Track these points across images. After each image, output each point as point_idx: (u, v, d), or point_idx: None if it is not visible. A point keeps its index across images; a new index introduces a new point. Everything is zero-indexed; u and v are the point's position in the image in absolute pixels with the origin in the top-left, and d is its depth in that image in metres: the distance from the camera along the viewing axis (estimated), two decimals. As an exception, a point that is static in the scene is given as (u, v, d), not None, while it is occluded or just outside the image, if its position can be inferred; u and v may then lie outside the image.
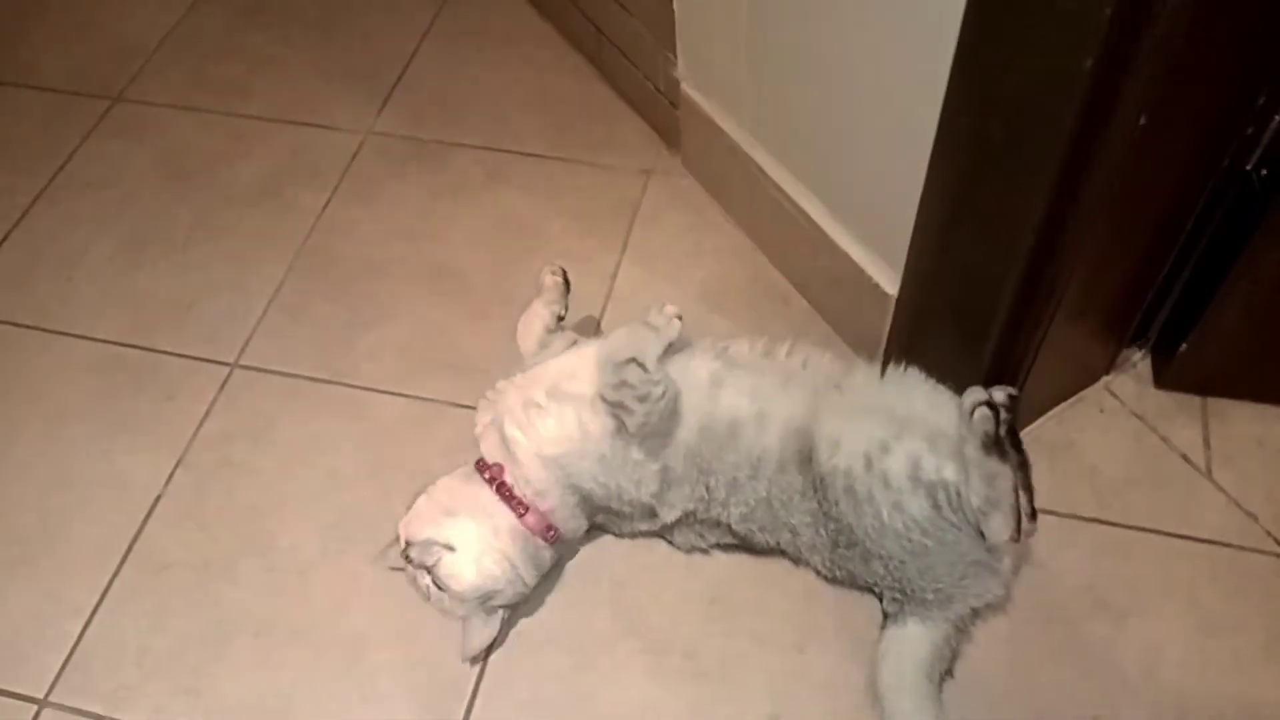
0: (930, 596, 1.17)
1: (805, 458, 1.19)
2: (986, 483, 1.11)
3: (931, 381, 1.24)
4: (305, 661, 1.28)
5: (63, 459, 1.48)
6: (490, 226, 1.72)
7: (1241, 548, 1.31)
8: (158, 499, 1.43)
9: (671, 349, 1.24)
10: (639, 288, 1.62)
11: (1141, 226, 1.18)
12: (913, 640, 1.18)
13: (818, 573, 1.27)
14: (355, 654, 1.28)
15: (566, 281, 1.43)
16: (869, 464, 1.14)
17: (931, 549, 1.14)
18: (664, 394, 1.19)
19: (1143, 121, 0.95)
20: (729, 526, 1.26)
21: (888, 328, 1.41)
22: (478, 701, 1.24)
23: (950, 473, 1.13)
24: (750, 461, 1.21)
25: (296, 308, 1.63)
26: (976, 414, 1.13)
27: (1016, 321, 1.19)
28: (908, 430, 1.16)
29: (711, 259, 1.65)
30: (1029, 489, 1.14)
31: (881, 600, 1.22)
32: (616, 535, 1.34)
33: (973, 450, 1.12)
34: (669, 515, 1.26)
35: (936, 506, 1.13)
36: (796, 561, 1.28)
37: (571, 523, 1.26)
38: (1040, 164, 1.00)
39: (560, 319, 1.41)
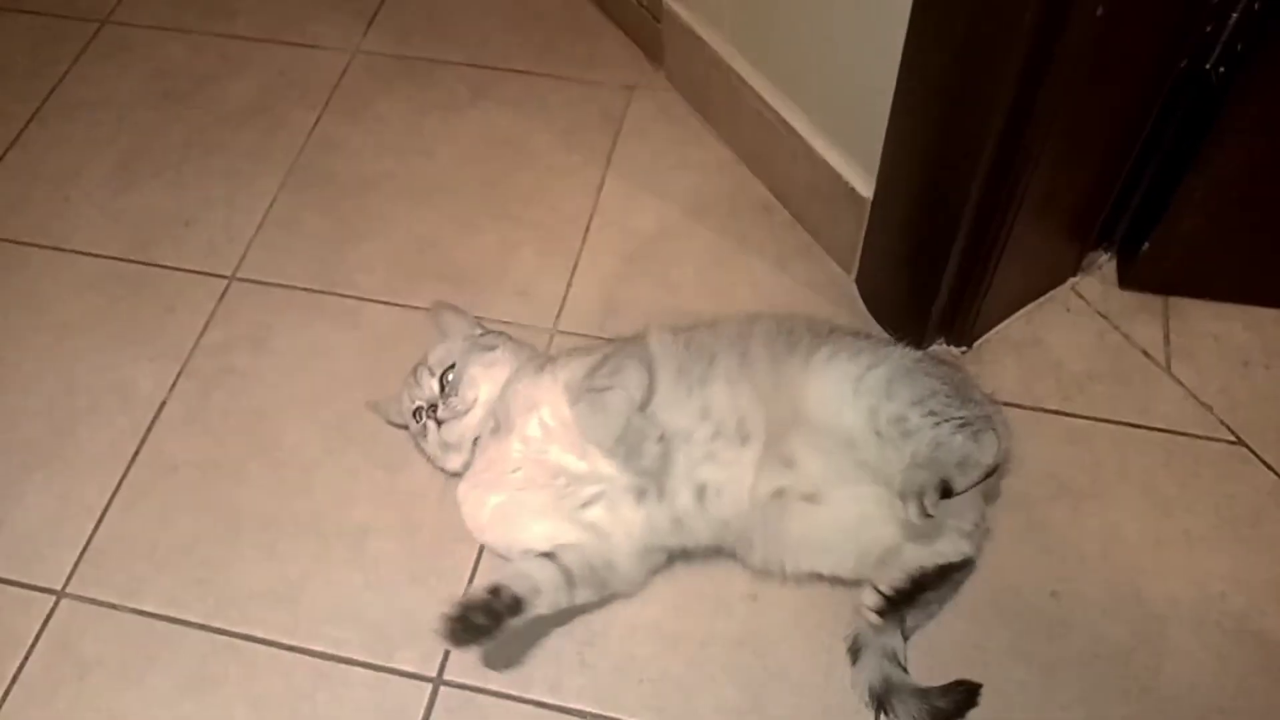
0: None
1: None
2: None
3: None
4: (311, 552, 1.35)
5: (68, 369, 1.53)
6: (477, 142, 1.76)
7: (1196, 436, 1.38)
8: (163, 405, 1.49)
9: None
10: (624, 201, 1.67)
11: (1103, 124, 1.23)
12: None
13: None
14: (359, 544, 1.35)
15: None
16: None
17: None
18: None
19: (1100, 12, 0.99)
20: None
21: (864, 232, 1.46)
22: (476, 584, 1.31)
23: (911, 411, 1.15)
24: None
25: (290, 222, 1.68)
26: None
27: (984, 217, 1.24)
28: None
29: (695, 172, 1.70)
30: None
31: None
32: None
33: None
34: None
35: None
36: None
37: None
38: (1003, 56, 1.05)
39: None
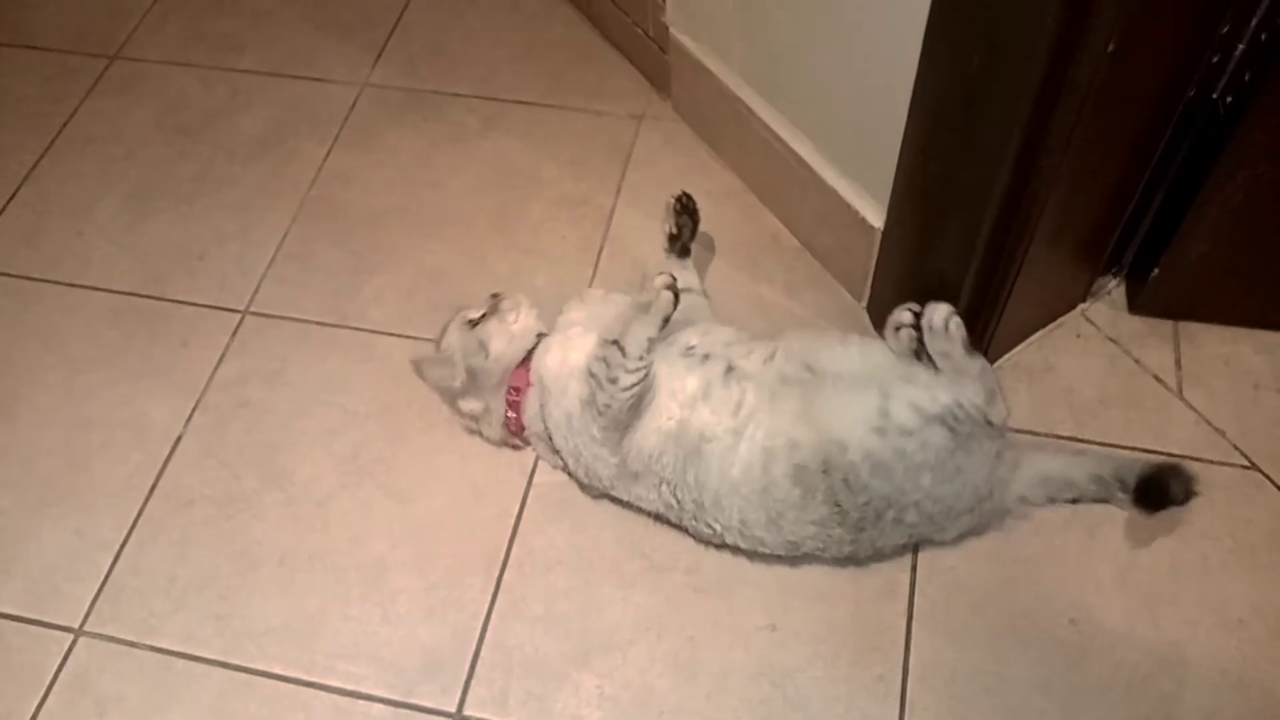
0: (959, 529, 1.28)
1: (802, 472, 1.22)
2: (978, 380, 1.24)
3: (875, 337, 1.31)
4: (327, 586, 1.35)
5: (83, 404, 1.54)
6: (487, 173, 1.77)
7: (1210, 461, 1.39)
8: (178, 439, 1.49)
9: (679, 326, 1.31)
10: (635, 229, 1.68)
11: (1113, 153, 1.24)
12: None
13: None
14: (375, 578, 1.35)
15: (683, 206, 1.51)
16: (882, 432, 1.20)
17: (963, 468, 1.22)
18: (632, 385, 1.24)
19: (1111, 48, 1.00)
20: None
21: (874, 261, 1.47)
22: (493, 618, 1.31)
23: (945, 396, 1.22)
24: (719, 487, 1.24)
25: (303, 255, 1.69)
26: (952, 324, 1.26)
27: (996, 247, 1.25)
28: (889, 386, 1.23)
29: (704, 200, 1.69)
30: None
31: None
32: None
33: (956, 358, 1.25)
34: (642, 503, 1.32)
35: (951, 429, 1.21)
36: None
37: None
38: (1016, 90, 1.06)
39: (672, 238, 1.51)
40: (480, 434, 1.42)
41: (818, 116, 1.46)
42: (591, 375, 1.26)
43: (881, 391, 1.23)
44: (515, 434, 1.39)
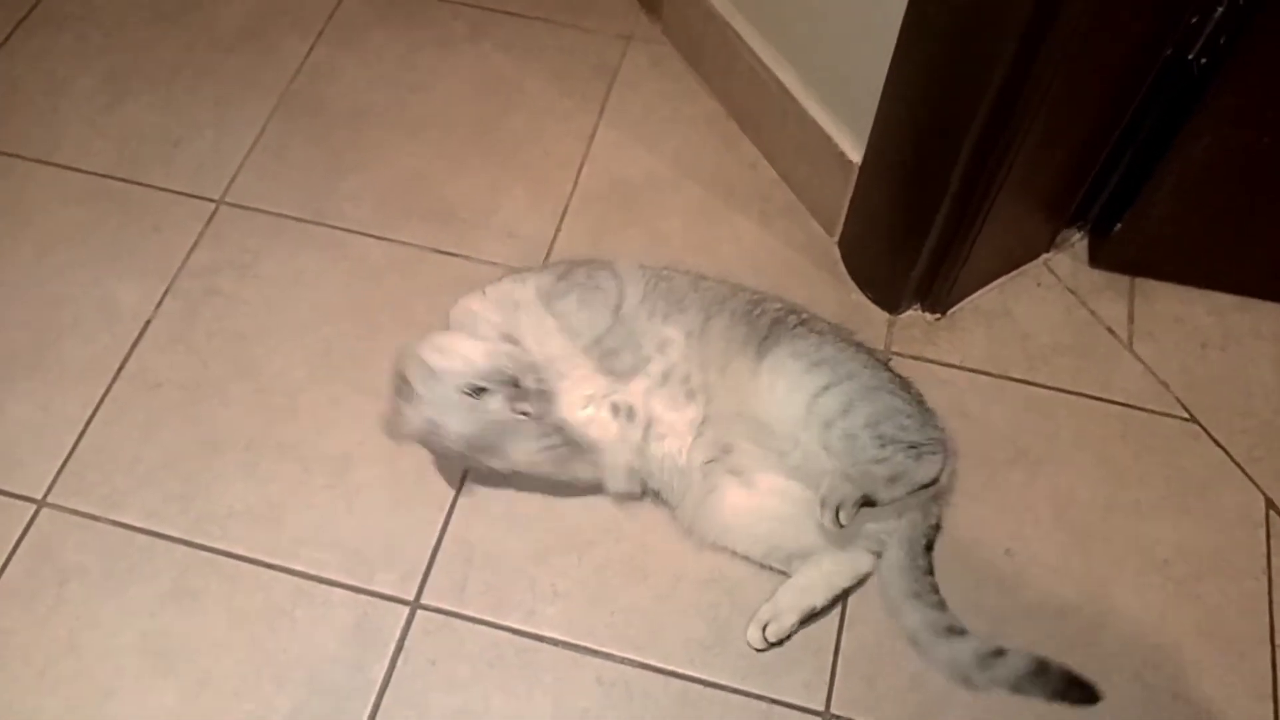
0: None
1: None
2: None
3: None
4: (293, 475, 1.37)
5: (53, 282, 1.53)
6: (471, 80, 1.77)
7: (1153, 412, 1.45)
8: (147, 323, 1.50)
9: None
10: (616, 150, 1.69)
11: (1088, 105, 1.28)
12: (889, 562, 1.27)
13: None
14: (341, 470, 1.38)
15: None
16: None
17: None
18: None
19: (1097, -3, 1.03)
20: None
21: (850, 196, 1.50)
22: (455, 515, 1.34)
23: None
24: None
25: (280, 149, 1.68)
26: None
27: (967, 189, 1.29)
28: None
29: (686, 126, 1.72)
30: None
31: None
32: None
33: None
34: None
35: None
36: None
37: None
38: (999, 34, 1.08)
39: None
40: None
41: (806, 47, 1.48)
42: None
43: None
44: None
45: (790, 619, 1.24)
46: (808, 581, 1.25)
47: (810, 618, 1.25)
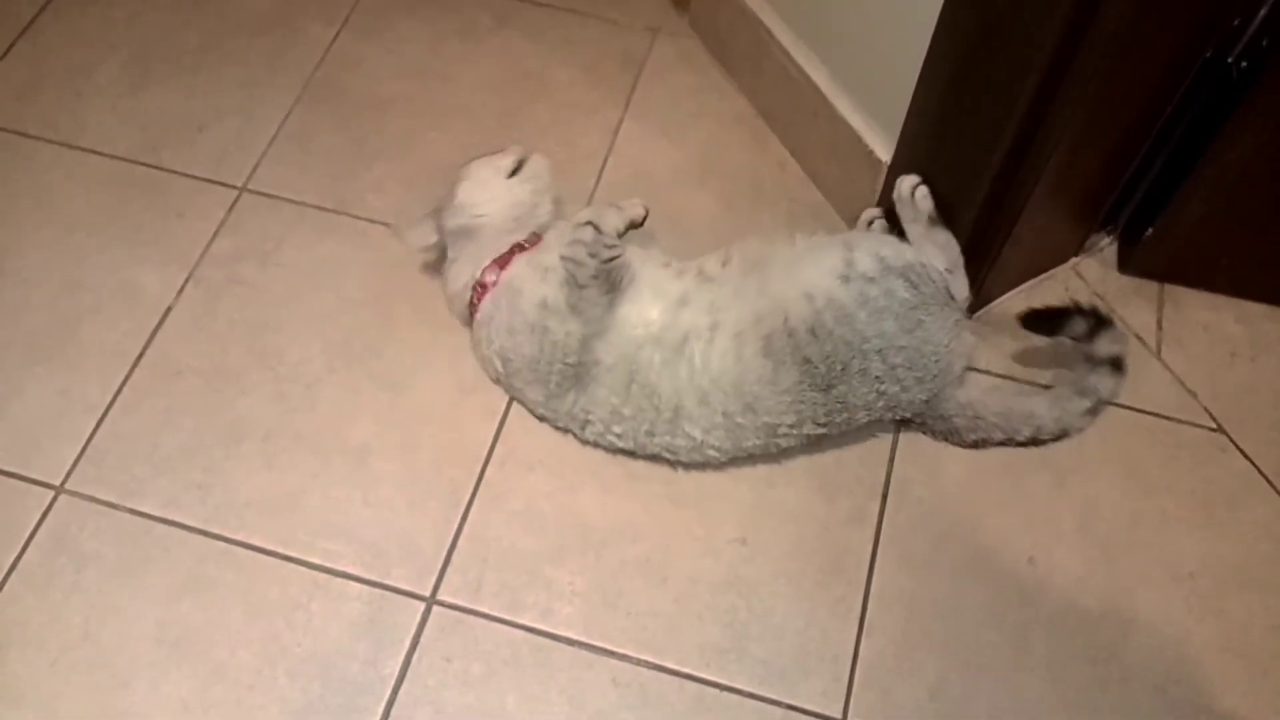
0: (924, 393, 1.31)
1: (770, 341, 1.27)
2: (942, 250, 1.34)
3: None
4: (311, 466, 1.37)
5: (74, 266, 1.53)
6: (496, 71, 1.76)
7: (1180, 421, 1.43)
8: (168, 310, 1.49)
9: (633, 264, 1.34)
10: (640, 144, 1.67)
11: (1124, 108, 1.25)
12: None
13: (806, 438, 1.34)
14: (359, 462, 1.37)
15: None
16: (846, 279, 1.27)
17: (924, 322, 1.28)
18: (614, 257, 1.30)
19: (1137, -1, 1.01)
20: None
21: (879, 196, 1.48)
22: (472, 511, 1.34)
23: (910, 255, 1.32)
24: (701, 383, 1.28)
25: (304, 137, 1.67)
26: (918, 193, 1.35)
27: (999, 191, 1.27)
28: (854, 240, 1.33)
29: (712, 121, 1.70)
30: None
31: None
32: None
33: (923, 226, 1.35)
34: (588, 415, 1.33)
35: (913, 285, 1.28)
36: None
37: None
38: (1037, 34, 1.06)
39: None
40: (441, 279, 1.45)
41: (838, 44, 1.46)
42: (567, 259, 1.30)
43: (846, 245, 1.31)
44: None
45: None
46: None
47: None
